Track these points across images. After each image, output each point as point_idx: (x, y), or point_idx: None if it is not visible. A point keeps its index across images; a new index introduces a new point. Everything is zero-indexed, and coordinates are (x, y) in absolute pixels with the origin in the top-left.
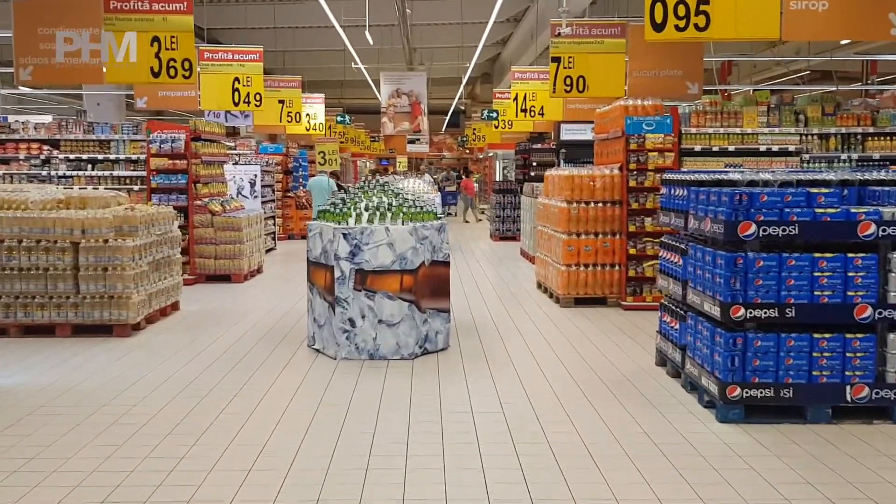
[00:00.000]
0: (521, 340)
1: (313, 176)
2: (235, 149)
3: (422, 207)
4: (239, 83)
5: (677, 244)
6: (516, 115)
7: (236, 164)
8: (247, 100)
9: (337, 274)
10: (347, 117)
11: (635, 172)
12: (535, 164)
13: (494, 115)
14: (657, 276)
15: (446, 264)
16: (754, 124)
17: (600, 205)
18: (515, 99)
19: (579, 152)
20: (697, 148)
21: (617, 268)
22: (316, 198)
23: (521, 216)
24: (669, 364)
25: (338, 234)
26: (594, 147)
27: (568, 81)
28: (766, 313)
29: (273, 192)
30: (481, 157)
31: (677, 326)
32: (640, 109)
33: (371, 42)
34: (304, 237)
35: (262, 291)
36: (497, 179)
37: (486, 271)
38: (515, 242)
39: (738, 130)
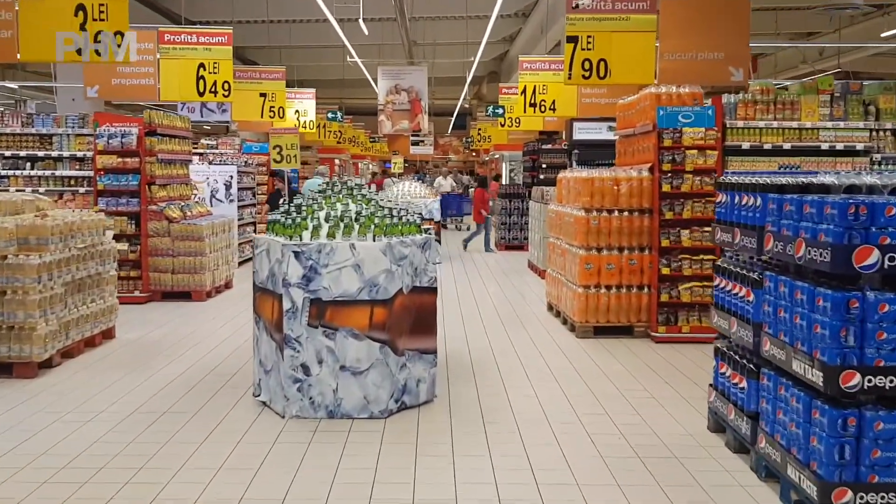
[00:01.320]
0: (528, 388)
1: (306, 178)
2: (217, 147)
3: (401, 217)
4: (204, 70)
5: (746, 272)
6: (524, 111)
7: (211, 163)
8: (213, 89)
9: (286, 305)
10: (340, 114)
11: (669, 174)
12: (544, 165)
13: (500, 111)
14: (712, 311)
15: (432, 291)
16: (814, 117)
17: (626, 214)
18: (523, 92)
19: (593, 153)
20: (745, 145)
21: (646, 291)
22: None
23: (530, 224)
24: (730, 433)
25: (288, 253)
26: (616, 145)
27: (586, 65)
28: (892, 381)
29: (254, 195)
30: (486, 158)
31: (744, 385)
32: (675, 98)
33: (367, 33)
34: None
35: (224, 312)
36: (503, 183)
37: (489, 287)
38: (522, 253)
39: (794, 124)
